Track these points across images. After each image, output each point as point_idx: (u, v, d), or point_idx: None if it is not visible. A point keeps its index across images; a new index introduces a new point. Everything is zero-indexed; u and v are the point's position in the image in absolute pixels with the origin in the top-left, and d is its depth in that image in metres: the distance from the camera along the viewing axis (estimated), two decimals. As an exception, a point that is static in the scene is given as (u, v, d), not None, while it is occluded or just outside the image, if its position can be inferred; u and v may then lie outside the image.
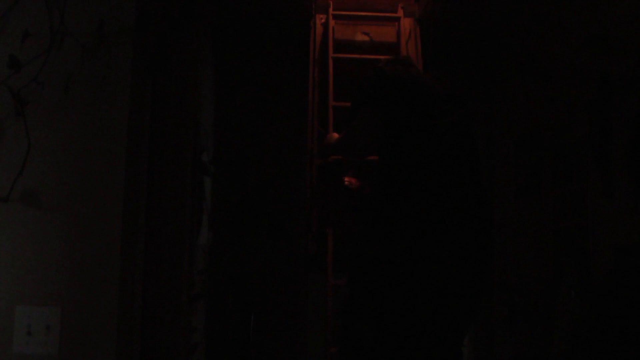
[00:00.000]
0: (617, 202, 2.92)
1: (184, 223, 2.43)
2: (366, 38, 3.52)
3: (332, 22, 3.52)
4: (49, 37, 1.98)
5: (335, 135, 2.81)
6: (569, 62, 3.43)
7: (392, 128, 2.30)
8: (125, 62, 2.04)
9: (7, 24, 1.99)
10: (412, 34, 3.52)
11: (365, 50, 3.51)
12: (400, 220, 2.20)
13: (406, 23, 3.56)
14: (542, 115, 3.76)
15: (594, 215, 3.11)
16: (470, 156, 2.33)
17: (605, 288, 2.96)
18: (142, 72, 2.15)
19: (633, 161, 2.82)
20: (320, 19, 3.57)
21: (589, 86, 3.19)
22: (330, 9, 3.54)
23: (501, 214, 4.30)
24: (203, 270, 3.49)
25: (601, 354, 2.96)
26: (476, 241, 2.25)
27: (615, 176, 2.94)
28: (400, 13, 3.57)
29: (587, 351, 3.10)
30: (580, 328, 3.19)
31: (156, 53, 2.28)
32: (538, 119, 3.82)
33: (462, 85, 4.50)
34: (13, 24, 1.99)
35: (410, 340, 2.19)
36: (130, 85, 2.04)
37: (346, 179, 2.91)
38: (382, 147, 2.34)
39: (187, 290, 2.74)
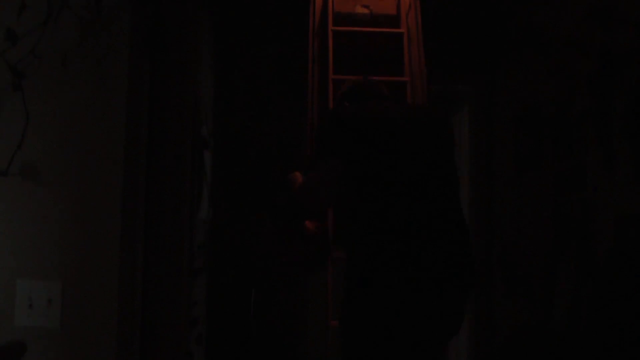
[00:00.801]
0: (618, 174, 2.91)
1: (184, 197, 2.43)
2: (366, 11, 3.50)
3: (331, -5, 3.49)
4: (46, 9, 1.96)
5: (298, 176, 2.61)
6: (571, 34, 3.40)
7: (354, 179, 2.17)
8: (123, 35, 2.03)
9: (2, -4, 1.98)
10: (412, 6, 3.49)
11: (366, 22, 3.48)
12: (370, 291, 2.10)
13: (406, -5, 3.53)
14: (543, 89, 3.74)
15: (594, 188, 3.10)
16: (445, 197, 2.21)
17: (606, 261, 2.96)
18: (140, 45, 2.14)
19: (634, 134, 2.81)
20: (319, -9, 3.55)
21: (591, 59, 3.17)
22: (330, -18, 3.51)
23: (501, 189, 4.30)
24: (204, 244, 3.50)
25: (602, 328, 2.97)
26: (451, 307, 2.16)
27: (616, 149, 2.94)
28: (400, -15, 3.54)
29: (587, 325, 3.11)
30: (580, 302, 3.20)
31: (155, 26, 2.27)
32: (539, 93, 3.80)
33: (462, 59, 4.48)
34: (9, -4, 1.97)
35: None
36: (129, 59, 2.03)
37: (307, 223, 2.76)
38: (346, 201, 2.22)
39: (188, 264, 2.75)
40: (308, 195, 2.36)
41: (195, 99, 2.96)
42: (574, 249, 3.29)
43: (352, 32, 3.42)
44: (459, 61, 4.52)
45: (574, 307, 3.25)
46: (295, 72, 4.19)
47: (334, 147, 2.20)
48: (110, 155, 1.97)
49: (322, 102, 3.36)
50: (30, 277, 1.93)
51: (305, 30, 3.58)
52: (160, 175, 2.33)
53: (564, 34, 3.50)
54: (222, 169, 4.12)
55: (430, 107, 2.74)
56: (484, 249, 4.37)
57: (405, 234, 2.10)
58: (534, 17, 3.90)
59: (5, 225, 1.93)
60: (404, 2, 3.51)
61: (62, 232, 1.93)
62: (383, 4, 3.51)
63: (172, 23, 2.44)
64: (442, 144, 2.30)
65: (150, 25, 2.22)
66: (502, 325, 4.17)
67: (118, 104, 2.00)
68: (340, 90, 2.56)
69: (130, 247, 2.06)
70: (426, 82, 3.41)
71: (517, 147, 4.07)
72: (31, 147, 1.94)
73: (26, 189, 1.93)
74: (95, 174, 1.96)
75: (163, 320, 2.29)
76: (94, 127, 1.97)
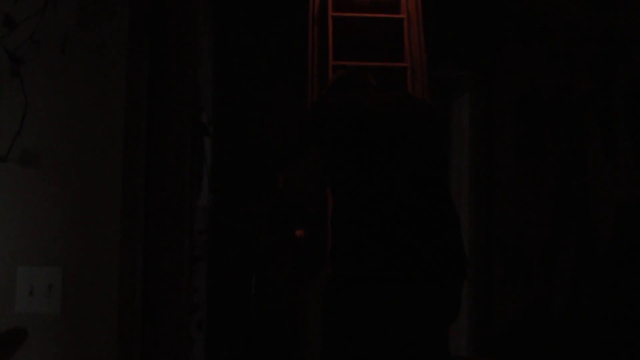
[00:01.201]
0: (619, 160, 2.91)
1: (184, 183, 2.42)
2: (366, -4, 3.49)
3: (331, -19, 3.47)
4: (45, -5, 1.95)
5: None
6: (572, 20, 3.39)
7: (339, 169, 2.14)
8: (122, 21, 2.01)
9: (0, -19, 1.96)
10: (412, -8, 3.48)
11: (366, 8, 3.47)
12: (354, 282, 2.05)
13: (406, -20, 3.51)
14: (544, 74, 3.73)
15: (595, 174, 3.10)
16: (433, 185, 2.16)
17: (606, 246, 2.97)
18: (139, 31, 2.13)
19: (635, 119, 2.80)
20: (319, -23, 3.53)
21: (592, 44, 3.16)
22: (330, -33, 3.49)
23: (501, 174, 4.30)
24: (204, 231, 3.50)
25: (601, 312, 2.98)
26: (442, 300, 2.10)
27: (617, 134, 2.93)
28: (400, -30, 3.53)
29: (587, 310, 3.12)
30: (580, 287, 3.21)
31: (154, 12, 2.25)
32: (539, 78, 3.79)
33: (463, 44, 4.47)
34: (6, -19, 1.96)
35: None
36: (128, 45, 2.02)
37: (297, 232, 2.72)
38: (333, 192, 2.18)
39: (188, 251, 2.75)
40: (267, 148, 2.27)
41: (194, 85, 2.95)
42: (574, 234, 3.29)
43: (352, 18, 3.41)
44: (459, 47, 4.51)
45: (574, 292, 3.25)
46: (295, 58, 4.18)
47: (314, 135, 2.19)
48: (110, 142, 1.97)
49: (322, 89, 3.35)
50: (31, 264, 1.93)
51: (305, 16, 3.57)
52: (160, 162, 2.32)
53: (565, 19, 3.48)
54: (221, 155, 4.12)
55: (415, 96, 2.68)
56: (484, 234, 4.37)
57: (393, 223, 2.05)
58: (534, 2, 3.88)
59: (5, 212, 1.92)
60: (404, -13, 3.49)
61: (62, 218, 1.93)
62: (383, -11, 3.50)
63: (171, 9, 2.43)
64: (428, 131, 2.25)
65: (150, 11, 2.21)
66: (502, 310, 4.18)
67: (117, 90, 1.99)
68: (329, 80, 2.54)
69: (130, 234, 2.06)
70: (426, 68, 3.39)
71: (517, 133, 4.06)
72: (30, 133, 1.93)
73: (26, 175, 1.93)
74: (94, 160, 1.96)
75: (164, 307, 2.29)
76: (93, 113, 1.97)
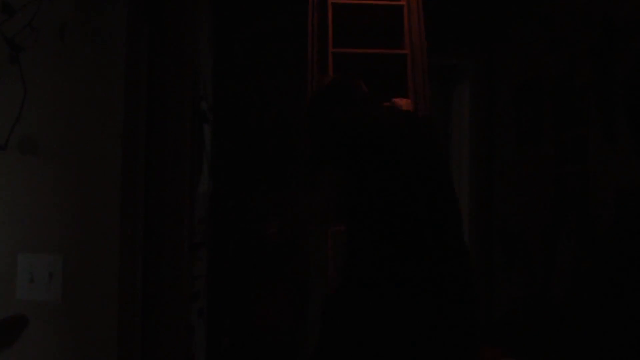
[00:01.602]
0: (619, 147, 2.91)
1: (183, 171, 2.42)
2: (366, -17, 3.47)
3: (331, -34, 3.46)
4: (43, -19, 1.94)
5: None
6: (573, 6, 3.38)
7: (357, 188, 2.14)
8: (121, 7, 2.01)
9: (-3, -33, 1.95)
10: (412, -22, 3.46)
11: (365, -6, 3.46)
12: (372, 294, 2.07)
13: (406, -34, 3.50)
14: (544, 61, 3.72)
15: (595, 160, 3.10)
16: (446, 200, 2.18)
17: (606, 233, 2.97)
18: (138, 18, 2.12)
19: (635, 106, 2.80)
20: (319, -37, 3.51)
21: (593, 31, 3.15)
22: (329, -47, 3.48)
23: (502, 161, 4.29)
24: (204, 218, 3.50)
25: (601, 300, 2.98)
26: (458, 314, 2.12)
27: (617, 121, 2.93)
28: (399, -45, 3.51)
29: (587, 298, 3.12)
30: (579, 274, 3.21)
31: (153, -1, 2.25)
32: (540, 65, 3.78)
33: (463, 32, 4.45)
34: (4, -32, 1.95)
35: None
36: (127, 31, 2.01)
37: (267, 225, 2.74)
38: (349, 210, 2.18)
39: (188, 239, 2.75)
40: (313, 212, 2.34)
41: (194, 71, 2.94)
42: (574, 221, 3.29)
43: (352, 5, 3.40)
44: (459, 34, 4.50)
45: (574, 280, 3.26)
46: (295, 45, 4.16)
47: (333, 156, 2.19)
48: (109, 129, 1.96)
49: (321, 76, 3.34)
50: (31, 251, 1.93)
51: (305, 3, 3.56)
52: (159, 149, 2.32)
53: (565, 6, 3.47)
54: (221, 141, 4.11)
55: (412, 111, 2.71)
56: (485, 221, 4.38)
57: (411, 242, 2.08)
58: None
59: (5, 199, 1.92)
60: (404, -26, 3.47)
61: (62, 206, 1.93)
62: (383, -24, 3.48)
63: (171, -5, 2.42)
64: (434, 147, 2.30)
65: (148, -4, 2.20)
66: (502, 297, 4.19)
67: (116, 76, 1.99)
68: (319, 85, 2.51)
69: (130, 222, 2.06)
70: (426, 55, 3.39)
71: (518, 120, 4.06)
72: (29, 120, 1.93)
73: (25, 162, 1.93)
74: (93, 147, 1.95)
75: (164, 295, 2.30)
76: (92, 99, 1.96)
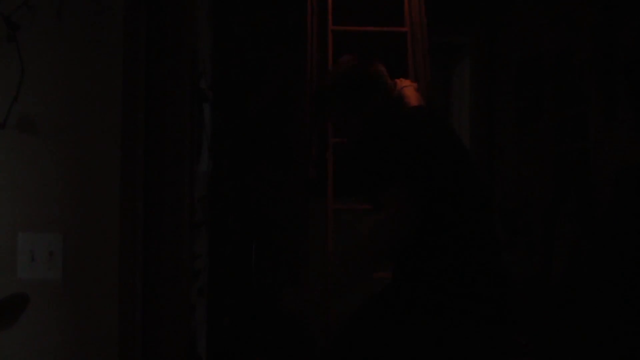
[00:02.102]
0: (620, 125, 2.90)
1: (183, 149, 2.42)
2: (365, -40, 3.45)
3: (330, -56, 3.43)
4: (39, -41, 1.93)
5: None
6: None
7: (420, 199, 2.05)
8: (118, -16, 1.99)
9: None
10: (412, -46, 3.44)
11: (365, -28, 3.44)
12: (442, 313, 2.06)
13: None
14: (545, 39, 3.70)
15: (596, 138, 3.09)
16: (490, 201, 2.22)
17: (607, 211, 2.97)
18: (136, -5, 2.11)
19: (636, 83, 2.79)
20: (318, -60, 3.48)
21: (593, 7, 3.13)
22: None
23: (502, 139, 4.29)
24: (204, 197, 3.50)
25: (601, 279, 2.99)
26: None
27: (617, 99, 2.92)
28: None
29: (587, 277, 3.13)
30: (580, 253, 3.22)
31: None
32: (540, 43, 3.76)
33: (463, 9, 4.42)
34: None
35: None
36: (125, 9, 2.00)
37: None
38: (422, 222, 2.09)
39: (189, 217, 2.76)
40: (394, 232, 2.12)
41: (193, 50, 2.93)
42: (574, 200, 3.29)
43: (352, -19, 3.38)
44: (459, 12, 4.47)
45: (574, 258, 3.27)
46: (294, 24, 4.14)
47: (395, 170, 2.09)
48: (108, 107, 1.96)
49: (321, 54, 3.33)
50: (31, 230, 1.93)
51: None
52: (159, 128, 2.32)
53: (566, -18, 3.45)
54: (221, 121, 4.10)
55: (417, 65, 2.66)
56: (485, 200, 4.38)
57: (478, 250, 2.10)
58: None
59: (4, 178, 1.92)
60: (404, -50, 3.45)
61: (61, 184, 1.93)
62: (382, -48, 3.46)
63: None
64: (461, 141, 2.30)
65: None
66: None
67: (114, 55, 1.98)
68: (333, 73, 2.45)
69: (130, 200, 2.07)
70: (427, 33, 3.37)
71: (518, 98, 4.04)
72: (28, 99, 1.92)
73: (24, 141, 1.93)
74: (92, 125, 1.95)
75: (165, 273, 2.30)
76: (91, 78, 1.96)
